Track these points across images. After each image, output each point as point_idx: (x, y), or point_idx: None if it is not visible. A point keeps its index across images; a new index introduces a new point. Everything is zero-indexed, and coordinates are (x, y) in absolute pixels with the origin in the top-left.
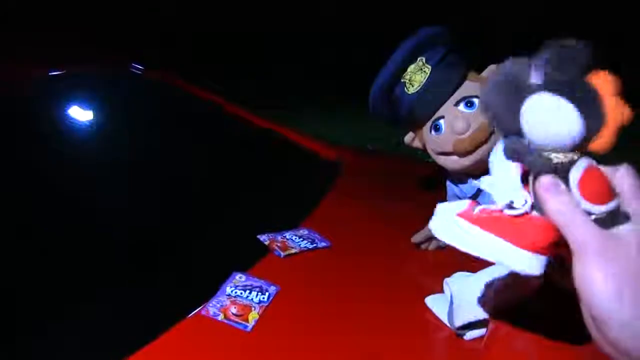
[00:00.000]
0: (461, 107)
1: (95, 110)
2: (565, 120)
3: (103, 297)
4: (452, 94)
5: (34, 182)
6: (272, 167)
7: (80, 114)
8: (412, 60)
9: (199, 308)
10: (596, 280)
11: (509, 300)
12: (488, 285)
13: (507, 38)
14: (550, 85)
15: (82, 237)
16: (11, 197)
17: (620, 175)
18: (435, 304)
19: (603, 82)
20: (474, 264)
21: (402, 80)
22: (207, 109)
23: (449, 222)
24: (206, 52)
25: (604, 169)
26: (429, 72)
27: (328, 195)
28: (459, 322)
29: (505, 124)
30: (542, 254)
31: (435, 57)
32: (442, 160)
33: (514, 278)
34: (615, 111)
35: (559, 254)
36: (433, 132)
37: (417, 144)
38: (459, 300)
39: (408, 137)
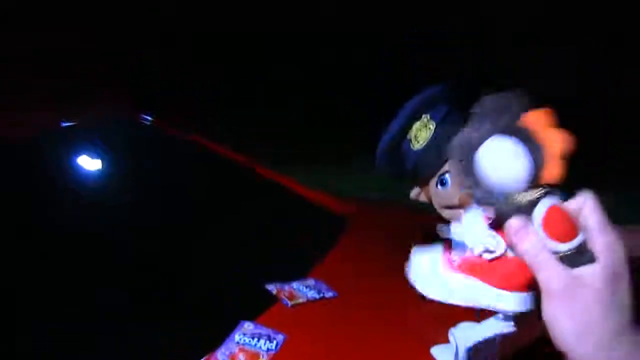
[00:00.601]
0: None
1: (106, 159)
2: (510, 158)
3: (110, 345)
4: None
5: (42, 227)
6: (280, 219)
7: (92, 162)
8: (417, 117)
9: (208, 355)
10: (560, 319)
11: (512, 349)
12: (492, 335)
13: (507, 38)
14: (489, 132)
15: (91, 280)
16: (20, 241)
17: (587, 212)
18: (441, 354)
19: (535, 119)
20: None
21: (407, 137)
22: (215, 160)
23: (430, 276)
24: (206, 52)
25: (571, 202)
26: (433, 129)
27: (335, 246)
28: None
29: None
30: (523, 291)
31: (439, 115)
32: (448, 214)
33: (515, 327)
34: (553, 141)
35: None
36: (439, 186)
37: (423, 198)
38: (464, 352)
39: (414, 192)
